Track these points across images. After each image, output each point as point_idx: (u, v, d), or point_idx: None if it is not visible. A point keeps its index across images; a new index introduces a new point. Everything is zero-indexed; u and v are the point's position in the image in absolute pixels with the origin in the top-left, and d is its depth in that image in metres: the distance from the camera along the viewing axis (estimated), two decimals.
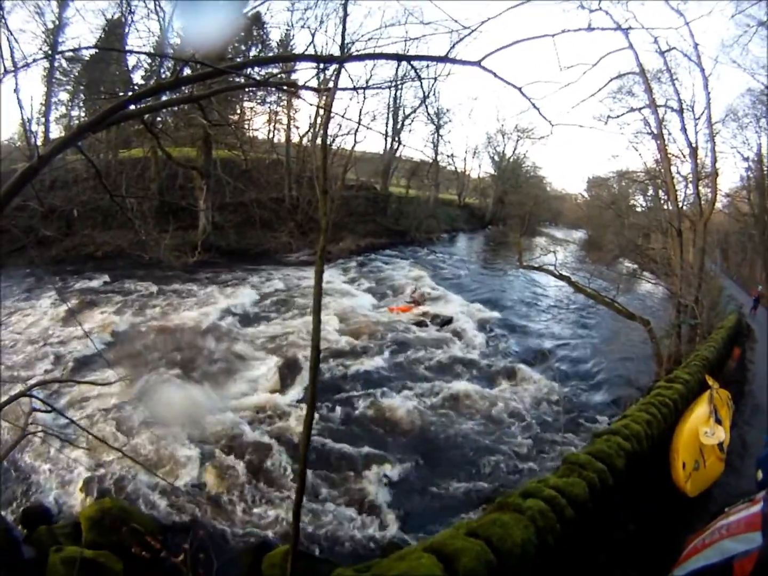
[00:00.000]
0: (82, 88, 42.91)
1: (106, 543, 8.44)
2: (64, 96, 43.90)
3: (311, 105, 45.56)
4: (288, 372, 16.88)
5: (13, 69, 5.33)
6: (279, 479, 11.57)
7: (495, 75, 4.76)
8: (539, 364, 18.62)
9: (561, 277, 20.57)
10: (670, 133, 22.55)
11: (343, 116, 40.75)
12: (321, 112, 44.16)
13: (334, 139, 42.02)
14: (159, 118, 36.61)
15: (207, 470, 11.77)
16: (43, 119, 40.33)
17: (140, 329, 20.68)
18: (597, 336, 23.70)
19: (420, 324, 22.44)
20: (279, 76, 7.07)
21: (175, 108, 35.50)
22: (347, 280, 31.78)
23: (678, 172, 23.31)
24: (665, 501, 7.98)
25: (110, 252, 34.25)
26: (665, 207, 25.23)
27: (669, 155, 21.58)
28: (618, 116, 24.49)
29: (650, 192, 32.24)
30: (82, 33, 49.03)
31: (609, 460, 6.79)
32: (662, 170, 22.72)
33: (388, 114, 49.30)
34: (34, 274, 27.73)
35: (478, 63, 4.74)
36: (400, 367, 18.02)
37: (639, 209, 35.72)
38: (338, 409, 14.86)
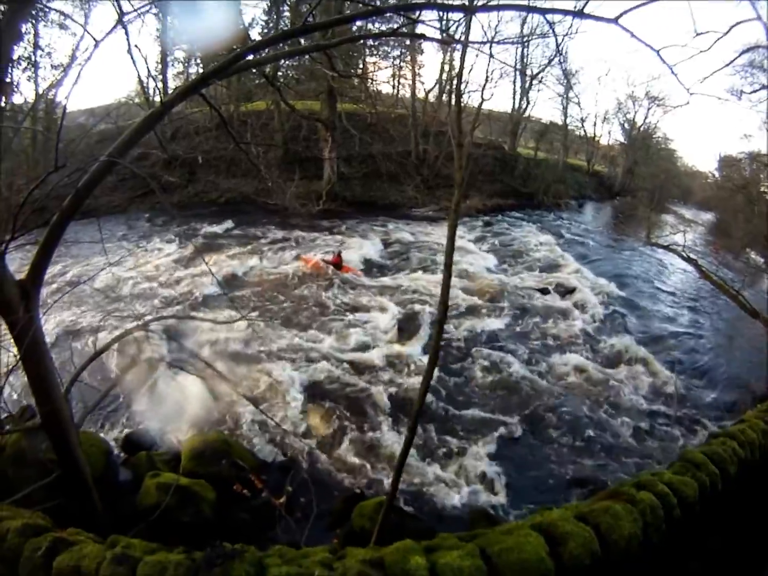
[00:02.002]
0: (197, 46, 44.17)
1: (203, 473, 8.83)
2: (180, 54, 45.06)
3: (440, 57, 45.05)
4: (407, 325, 16.90)
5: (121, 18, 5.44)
6: (385, 432, 11.58)
7: (632, 34, 4.42)
8: (656, 348, 17.70)
9: (688, 259, 19.19)
10: None
11: (469, 72, 40.07)
12: (446, 68, 43.97)
13: (462, 95, 41.03)
14: (280, 72, 37.16)
15: (314, 415, 12.01)
16: (160, 76, 41.84)
17: (261, 273, 21.32)
18: (715, 329, 22.07)
19: (543, 291, 21.78)
20: (398, 28, 6.91)
21: (295, 61, 35.92)
22: (472, 239, 30.94)
23: None
24: (761, 517, 7.41)
25: (233, 199, 35.34)
26: None
27: None
28: (752, 92, 22.19)
29: None
30: None
31: (723, 464, 6.44)
32: None
33: (515, 72, 47.45)
34: (155, 218, 29.26)
35: (615, 20, 4.41)
36: (519, 333, 17.58)
37: None
38: (452, 368, 14.71)
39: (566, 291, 22.17)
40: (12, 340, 5.52)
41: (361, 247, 26.06)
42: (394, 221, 33.34)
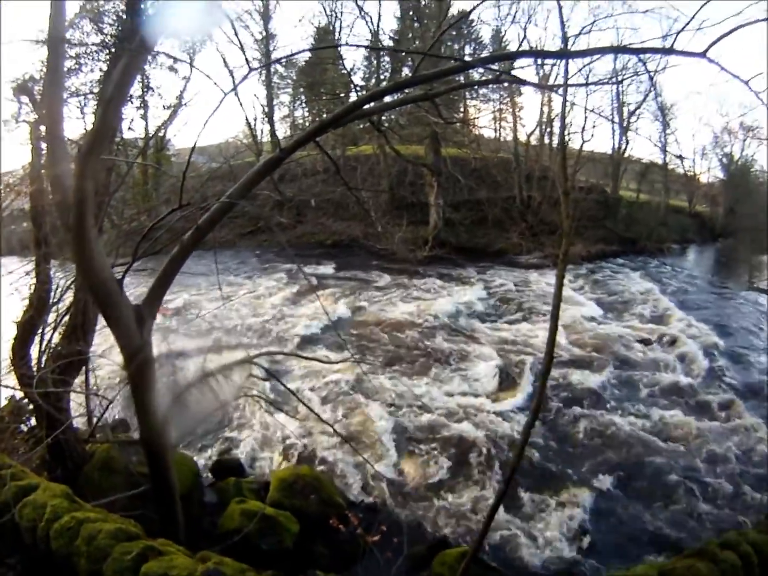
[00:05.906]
0: (302, 90, 47.09)
1: (289, 505, 8.98)
2: (285, 98, 49.02)
3: (539, 99, 45.22)
4: (507, 376, 16.60)
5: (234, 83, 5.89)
6: (478, 482, 11.40)
7: (721, 67, 4.38)
8: (753, 403, 16.61)
9: None
10: None
11: (568, 113, 39.85)
12: (545, 110, 43.86)
13: (566, 141, 40.69)
14: (384, 117, 38.44)
15: (408, 458, 11.98)
16: (266, 119, 45.13)
17: (365, 316, 21.85)
18: None
19: (645, 342, 20.96)
20: (501, 75, 7.07)
21: (400, 107, 37.09)
22: (576, 287, 30.27)
23: None
24: None
25: (340, 241, 36.67)
26: None
27: None
28: None
29: None
30: (293, 41, 53.71)
31: None
32: None
33: (612, 111, 46.60)
34: (263, 255, 30.53)
35: (702, 54, 4.40)
36: (618, 385, 16.90)
37: None
38: (548, 419, 14.38)
39: (668, 342, 21.28)
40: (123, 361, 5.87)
41: (461, 294, 26.12)
42: (499, 268, 33.22)
